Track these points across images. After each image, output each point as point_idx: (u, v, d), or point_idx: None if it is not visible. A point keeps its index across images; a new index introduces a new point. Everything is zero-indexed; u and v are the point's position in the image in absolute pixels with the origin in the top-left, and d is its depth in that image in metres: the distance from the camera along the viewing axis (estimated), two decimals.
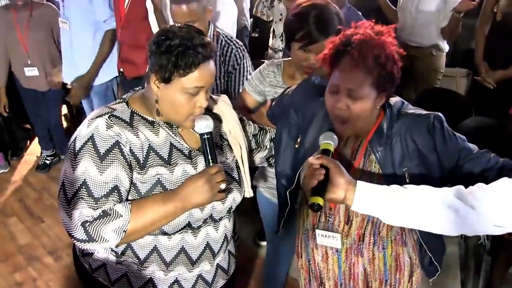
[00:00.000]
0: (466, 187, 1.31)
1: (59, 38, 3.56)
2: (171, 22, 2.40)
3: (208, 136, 1.40)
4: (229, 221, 1.61)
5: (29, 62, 3.73)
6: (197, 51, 1.32)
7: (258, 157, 1.80)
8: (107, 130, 1.37)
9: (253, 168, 1.84)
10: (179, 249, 1.48)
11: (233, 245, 1.71)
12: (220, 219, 1.55)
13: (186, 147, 1.48)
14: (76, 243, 1.36)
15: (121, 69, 3.32)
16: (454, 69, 3.92)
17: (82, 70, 3.47)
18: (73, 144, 1.38)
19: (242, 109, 2.05)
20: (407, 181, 1.44)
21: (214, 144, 1.42)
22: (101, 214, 1.32)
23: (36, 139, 4.43)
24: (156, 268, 1.49)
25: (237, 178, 1.59)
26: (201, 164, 1.48)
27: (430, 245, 1.57)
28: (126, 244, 1.44)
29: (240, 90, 2.34)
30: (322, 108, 1.53)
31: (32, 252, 3.21)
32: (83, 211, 1.32)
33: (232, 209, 1.59)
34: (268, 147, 1.81)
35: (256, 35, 4.27)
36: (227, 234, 1.61)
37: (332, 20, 1.80)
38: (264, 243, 3.07)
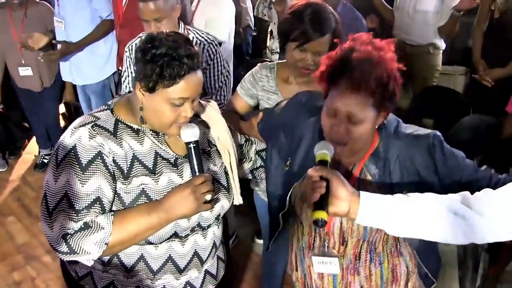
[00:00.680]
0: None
1: (54, 37, 3.55)
2: None
3: (194, 145, 1.37)
4: (218, 227, 1.59)
5: (23, 62, 3.70)
6: (182, 62, 1.29)
7: (243, 169, 1.76)
8: (89, 140, 1.34)
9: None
10: (166, 258, 1.46)
11: (222, 250, 1.68)
12: (209, 226, 1.52)
13: (172, 155, 1.45)
14: (58, 255, 1.34)
15: (120, 68, 3.31)
16: (451, 67, 3.93)
17: (80, 70, 3.47)
18: (55, 153, 1.37)
19: (233, 113, 2.02)
20: None
21: (200, 153, 1.39)
22: (83, 226, 1.29)
23: (34, 138, 4.42)
24: (143, 276, 1.46)
25: (226, 185, 1.56)
26: (187, 171, 1.45)
27: (426, 260, 1.54)
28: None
29: (217, 86, 2.32)
30: (309, 129, 1.49)
31: (31, 251, 3.21)
32: (64, 223, 1.29)
33: (221, 216, 1.57)
34: (253, 159, 1.77)
35: (254, 33, 4.26)
36: (216, 240, 1.58)
37: (327, 19, 1.79)
38: (262, 242, 3.07)
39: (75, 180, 1.32)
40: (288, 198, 1.57)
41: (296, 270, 1.72)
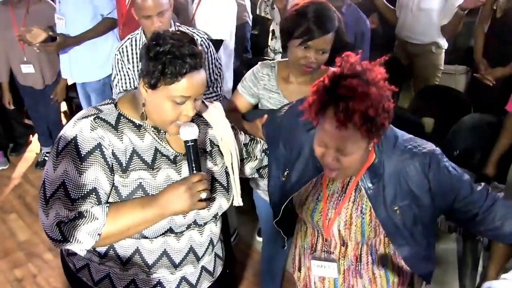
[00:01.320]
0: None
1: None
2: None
3: (193, 143, 1.38)
4: (216, 225, 1.59)
5: (25, 59, 3.71)
6: (184, 61, 1.30)
7: (249, 168, 1.76)
8: (90, 132, 1.36)
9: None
10: (161, 252, 1.47)
11: (220, 248, 1.68)
12: (205, 223, 1.53)
13: (172, 152, 1.47)
14: (52, 243, 1.36)
15: None
16: (453, 66, 3.93)
17: (80, 67, 3.47)
18: (57, 143, 1.39)
19: (234, 111, 2.03)
20: (399, 217, 1.41)
21: (198, 152, 1.40)
22: (77, 215, 1.31)
23: (36, 136, 4.43)
24: (138, 270, 1.47)
25: (226, 185, 1.57)
26: (185, 169, 1.46)
27: (415, 266, 1.54)
28: (108, 245, 1.44)
29: (212, 78, 2.34)
30: (307, 142, 1.48)
31: (32, 249, 3.22)
32: (60, 211, 1.31)
33: (219, 215, 1.57)
34: (258, 157, 1.76)
35: (256, 32, 4.26)
36: (213, 238, 1.58)
37: (331, 17, 1.80)
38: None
39: (73, 169, 1.34)
40: (282, 207, 1.59)
41: (299, 270, 1.73)
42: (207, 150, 1.56)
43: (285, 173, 1.57)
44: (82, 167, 1.34)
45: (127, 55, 2.34)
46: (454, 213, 1.47)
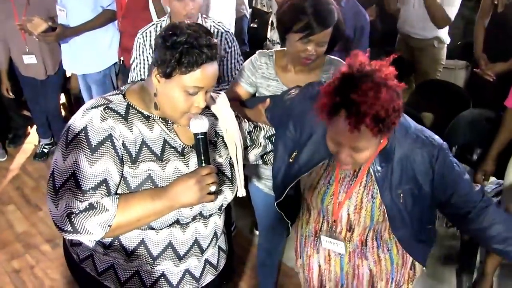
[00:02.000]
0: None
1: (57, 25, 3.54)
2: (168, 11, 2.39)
3: (203, 136, 1.39)
4: (220, 217, 1.60)
5: (27, 50, 3.70)
6: (202, 51, 1.31)
7: (253, 154, 1.77)
8: (101, 123, 1.35)
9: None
10: (166, 243, 1.47)
11: (223, 241, 1.69)
12: (210, 215, 1.54)
13: (180, 144, 1.47)
14: (61, 234, 1.36)
15: (122, 58, 3.31)
16: (452, 61, 3.93)
17: (80, 59, 3.47)
18: (65, 133, 1.38)
19: (233, 100, 2.03)
20: (401, 201, 1.45)
21: (208, 145, 1.41)
22: (88, 207, 1.31)
23: (35, 127, 4.42)
24: (143, 261, 1.48)
25: (230, 176, 1.57)
26: (192, 161, 1.47)
27: (409, 247, 1.58)
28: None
29: (233, 73, 2.33)
30: (320, 127, 1.48)
31: (30, 240, 3.22)
32: (70, 202, 1.31)
33: (223, 207, 1.58)
34: (262, 144, 1.77)
35: (255, 25, 4.26)
36: (217, 230, 1.59)
37: (331, 11, 1.78)
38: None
39: (83, 160, 1.33)
40: (287, 190, 1.60)
41: (300, 257, 1.77)
42: (212, 141, 1.57)
43: (293, 155, 1.58)
44: (92, 158, 1.33)
45: (150, 40, 2.32)
46: (449, 207, 1.51)
